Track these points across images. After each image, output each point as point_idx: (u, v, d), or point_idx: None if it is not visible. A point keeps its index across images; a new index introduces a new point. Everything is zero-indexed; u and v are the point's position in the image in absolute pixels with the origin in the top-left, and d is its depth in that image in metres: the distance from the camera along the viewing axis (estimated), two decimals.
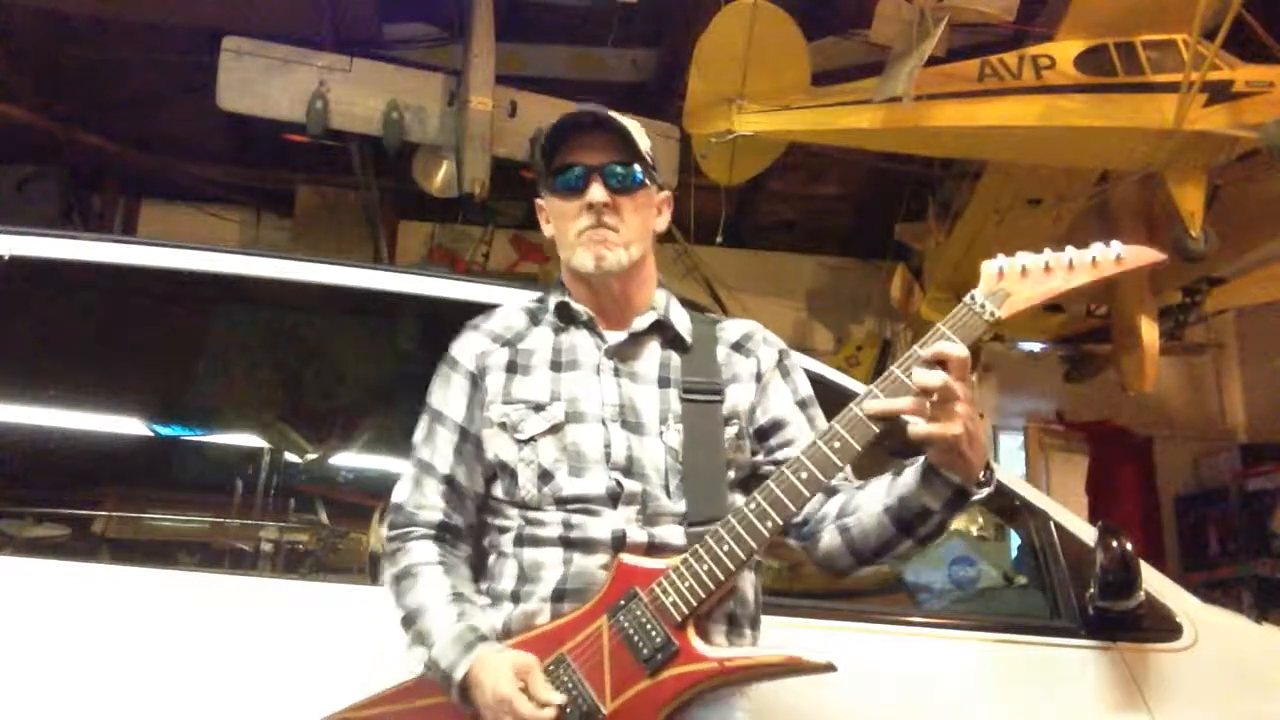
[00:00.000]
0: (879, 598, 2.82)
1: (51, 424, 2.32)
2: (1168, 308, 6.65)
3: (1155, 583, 2.27)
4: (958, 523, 3.18)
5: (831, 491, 1.60)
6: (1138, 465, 7.58)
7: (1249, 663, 2.30)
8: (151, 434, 2.52)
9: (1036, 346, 7.41)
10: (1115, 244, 1.46)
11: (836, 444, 1.42)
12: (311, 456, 2.52)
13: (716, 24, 4.91)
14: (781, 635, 1.65)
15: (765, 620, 1.64)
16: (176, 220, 7.04)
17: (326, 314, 2.52)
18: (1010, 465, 7.34)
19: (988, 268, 1.46)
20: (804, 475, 1.43)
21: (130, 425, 2.50)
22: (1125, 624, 2.17)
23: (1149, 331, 6.30)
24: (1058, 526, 2.31)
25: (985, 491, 1.45)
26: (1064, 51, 5.12)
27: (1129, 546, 2.10)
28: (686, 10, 5.56)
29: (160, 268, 2.31)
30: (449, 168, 5.70)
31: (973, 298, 1.45)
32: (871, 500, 1.52)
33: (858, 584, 3.01)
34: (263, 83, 5.41)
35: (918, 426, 1.38)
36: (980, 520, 3.41)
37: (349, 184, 6.68)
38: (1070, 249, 1.45)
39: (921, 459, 1.46)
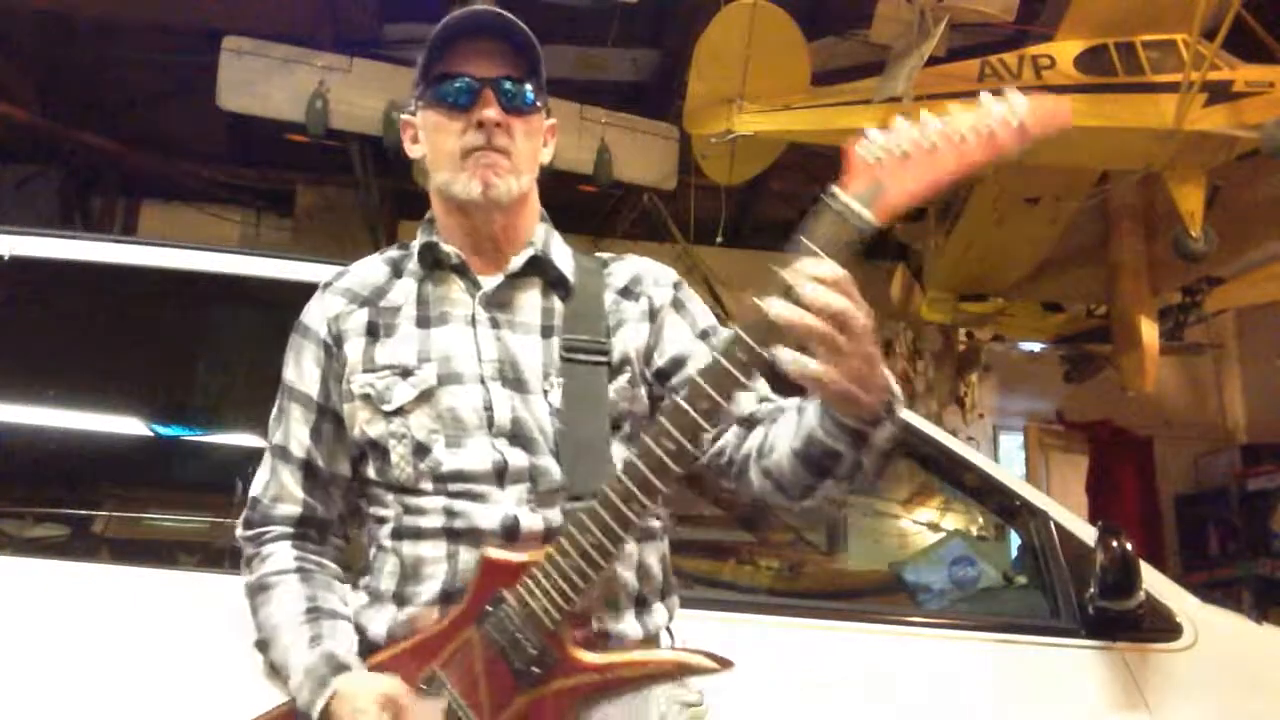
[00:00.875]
0: (879, 598, 2.83)
1: (51, 424, 2.32)
2: (1168, 308, 6.66)
3: (1155, 583, 2.27)
4: (957, 522, 3.20)
5: (750, 423, 1.37)
6: (1138, 465, 7.60)
7: (1249, 663, 2.30)
8: (151, 434, 2.52)
9: (1036, 346, 7.42)
10: (1016, 97, 1.11)
11: (703, 404, 1.17)
12: None
13: (716, 24, 4.91)
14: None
15: (763, 620, 1.63)
16: (176, 220, 7.05)
17: None
18: (1010, 465, 7.34)
19: (858, 153, 1.11)
20: (670, 447, 1.18)
21: (130, 425, 2.50)
22: (1125, 624, 2.17)
23: (1149, 331, 6.30)
24: (1058, 526, 2.31)
25: (885, 430, 1.20)
26: (1064, 51, 5.12)
27: (1129, 546, 2.10)
28: (686, 10, 5.56)
29: (160, 268, 2.31)
30: None
31: (834, 196, 1.12)
32: (783, 440, 1.29)
33: (858, 584, 3.02)
34: (263, 83, 5.42)
35: (800, 364, 1.10)
36: (980, 520, 3.41)
37: (349, 184, 6.69)
38: (960, 112, 1.10)
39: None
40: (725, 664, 1.28)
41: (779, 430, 1.31)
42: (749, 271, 7.40)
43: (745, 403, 1.38)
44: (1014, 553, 2.85)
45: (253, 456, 1.44)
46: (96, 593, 1.93)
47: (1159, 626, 2.22)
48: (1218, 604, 2.50)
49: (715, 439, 1.38)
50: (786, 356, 1.11)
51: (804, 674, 1.98)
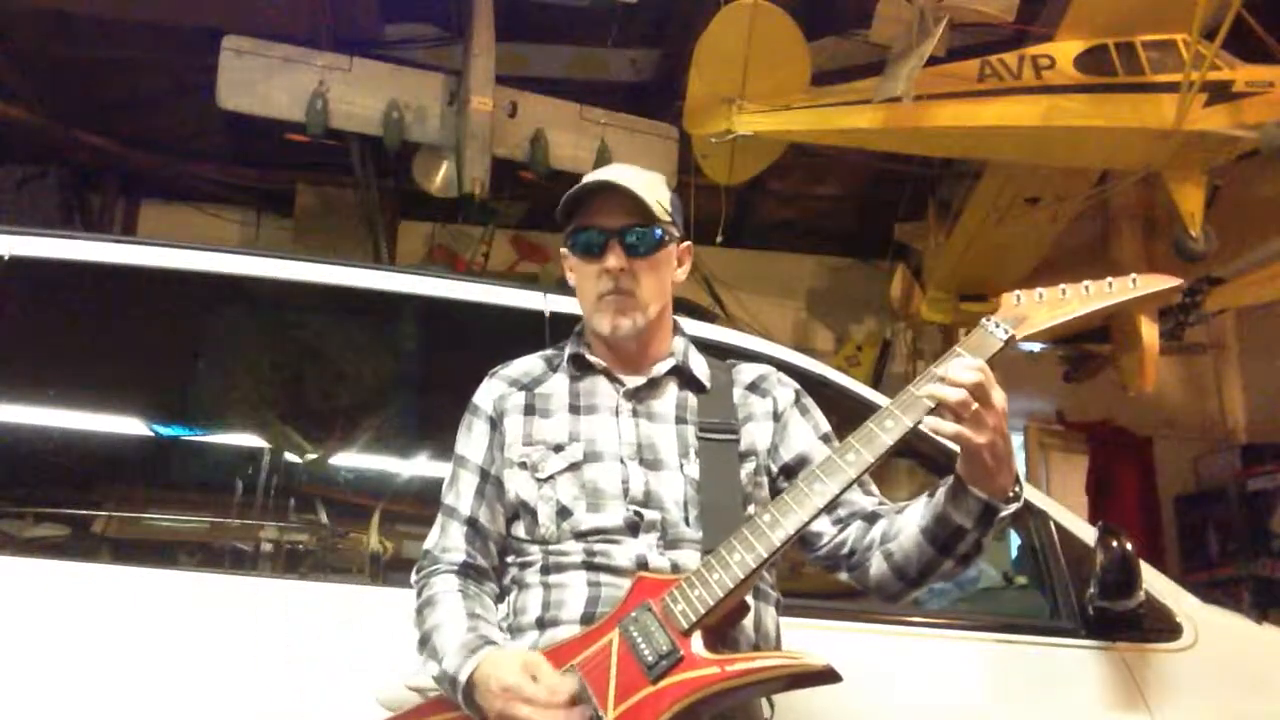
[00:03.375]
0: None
1: (51, 424, 2.32)
2: (1168, 308, 6.65)
3: (1155, 583, 2.27)
4: None
5: (873, 518, 1.60)
6: (1138, 465, 7.58)
7: (1249, 663, 2.30)
8: (151, 434, 2.52)
9: (1036, 346, 7.41)
10: (1133, 275, 1.54)
11: (850, 456, 1.42)
12: (311, 456, 2.52)
13: (716, 24, 4.91)
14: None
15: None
16: (176, 220, 7.04)
17: (326, 314, 2.52)
18: None
19: (1007, 297, 1.50)
20: (816, 486, 1.42)
21: (130, 425, 2.49)
22: (1125, 624, 2.17)
23: (1149, 331, 6.30)
24: (1058, 526, 2.31)
25: (1014, 507, 1.45)
26: (1064, 51, 5.12)
27: (1129, 546, 2.10)
28: (686, 10, 5.56)
29: (160, 268, 2.31)
30: (449, 168, 5.70)
31: (989, 319, 1.48)
32: (910, 523, 1.52)
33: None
34: (263, 82, 5.42)
35: (943, 424, 1.38)
36: None
37: (349, 184, 6.68)
38: (1088, 281, 1.50)
39: (952, 477, 1.46)
40: (835, 676, 1.39)
41: (904, 520, 1.54)
42: (749, 271, 7.45)
43: (869, 502, 1.63)
44: (1014, 553, 2.85)
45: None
46: (96, 593, 1.93)
47: (1159, 626, 2.22)
48: (1218, 604, 2.50)
49: (839, 532, 1.61)
50: (933, 421, 1.39)
51: None
